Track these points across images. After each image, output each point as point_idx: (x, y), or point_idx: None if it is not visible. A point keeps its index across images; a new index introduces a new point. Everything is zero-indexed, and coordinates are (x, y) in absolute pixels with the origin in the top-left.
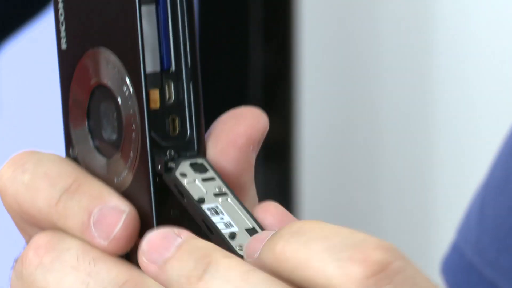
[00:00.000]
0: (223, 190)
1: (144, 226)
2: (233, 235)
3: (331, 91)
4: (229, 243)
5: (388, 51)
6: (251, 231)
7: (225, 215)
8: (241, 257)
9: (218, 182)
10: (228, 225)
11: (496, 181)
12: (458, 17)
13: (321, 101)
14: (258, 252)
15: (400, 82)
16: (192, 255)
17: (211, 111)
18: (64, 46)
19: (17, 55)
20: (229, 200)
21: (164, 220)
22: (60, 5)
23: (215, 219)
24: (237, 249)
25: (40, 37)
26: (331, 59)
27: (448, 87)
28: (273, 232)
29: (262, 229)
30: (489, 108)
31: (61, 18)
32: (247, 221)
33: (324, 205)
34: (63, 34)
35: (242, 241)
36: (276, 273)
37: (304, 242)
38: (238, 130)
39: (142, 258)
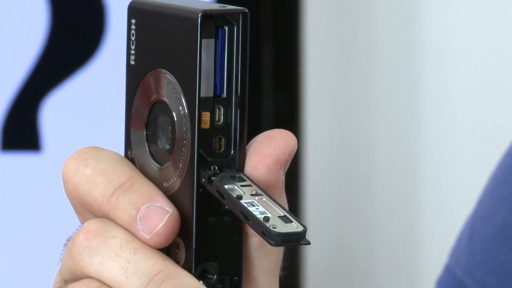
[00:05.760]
0: (259, 192)
1: (183, 227)
2: (267, 218)
3: (334, 135)
4: (264, 224)
5: (384, 91)
6: (283, 218)
7: (260, 207)
8: (276, 233)
9: (254, 187)
10: (262, 212)
11: (484, 211)
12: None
13: (325, 141)
14: None
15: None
16: None
17: None
18: (132, 62)
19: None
20: (264, 199)
21: (202, 224)
22: (133, 27)
23: (251, 209)
24: (271, 228)
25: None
26: (336, 105)
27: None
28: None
29: (295, 218)
30: (485, 138)
31: (133, 38)
32: (279, 211)
33: (329, 211)
34: (132, 51)
35: (275, 222)
36: None
37: None
38: (267, 150)
39: None
